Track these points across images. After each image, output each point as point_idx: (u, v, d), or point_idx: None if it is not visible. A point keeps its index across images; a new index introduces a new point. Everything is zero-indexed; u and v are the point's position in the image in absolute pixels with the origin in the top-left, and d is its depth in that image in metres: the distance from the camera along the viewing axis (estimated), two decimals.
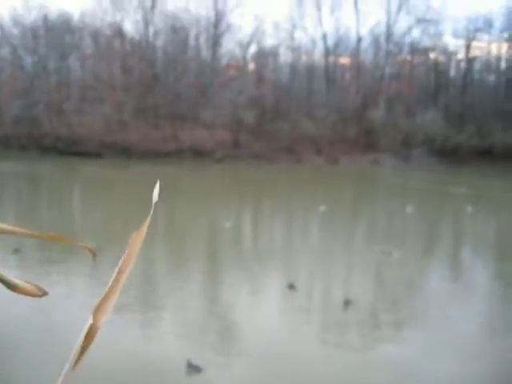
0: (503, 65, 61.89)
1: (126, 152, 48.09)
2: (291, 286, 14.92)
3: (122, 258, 0.75)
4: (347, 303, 13.72)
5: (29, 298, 0.69)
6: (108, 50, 57.52)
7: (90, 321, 0.70)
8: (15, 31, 60.17)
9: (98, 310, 0.71)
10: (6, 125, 53.31)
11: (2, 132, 52.34)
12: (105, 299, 0.72)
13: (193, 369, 10.07)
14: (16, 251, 17.30)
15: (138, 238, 0.78)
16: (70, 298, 13.25)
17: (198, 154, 48.49)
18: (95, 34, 58.55)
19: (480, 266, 19.69)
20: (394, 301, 14.84)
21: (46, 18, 58.11)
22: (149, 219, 0.75)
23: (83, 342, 0.69)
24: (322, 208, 27.06)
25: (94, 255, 0.76)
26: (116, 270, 0.74)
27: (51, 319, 11.89)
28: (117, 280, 0.73)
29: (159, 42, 58.12)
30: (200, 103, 53.23)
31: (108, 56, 56.98)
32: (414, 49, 59.25)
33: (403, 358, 10.82)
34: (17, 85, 57.71)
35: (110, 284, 0.73)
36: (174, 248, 20.95)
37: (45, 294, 0.72)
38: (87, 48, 60.55)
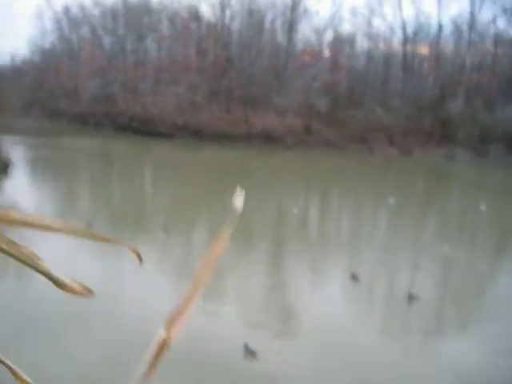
0: None
1: (197, 134, 48.52)
2: (354, 277, 14.59)
3: (199, 268, 0.69)
4: (411, 298, 13.31)
5: None
6: (184, 32, 58.08)
7: (162, 334, 0.65)
8: (95, 11, 61.83)
9: (170, 323, 0.66)
10: (83, 102, 54.93)
11: (80, 109, 53.96)
12: (178, 311, 0.66)
13: (249, 352, 10.04)
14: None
15: (215, 250, 0.72)
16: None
17: (269, 139, 48.36)
18: (172, 17, 59.29)
19: None
20: (459, 300, 14.28)
21: (125, 0, 59.25)
22: (229, 230, 0.68)
23: (154, 356, 0.64)
24: (391, 200, 26.42)
25: (140, 258, 0.70)
26: (192, 281, 0.68)
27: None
28: (192, 292, 0.67)
29: (235, 26, 58.21)
30: (273, 88, 52.99)
31: (184, 38, 57.56)
32: (499, 39, 56.73)
33: (465, 359, 10.42)
34: (95, 64, 59.21)
35: (184, 296, 0.67)
36: (240, 229, 20.85)
37: (90, 293, 0.69)
38: (164, 30, 61.36)
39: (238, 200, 0.72)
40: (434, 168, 44.84)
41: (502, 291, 15.31)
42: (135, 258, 0.69)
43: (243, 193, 0.73)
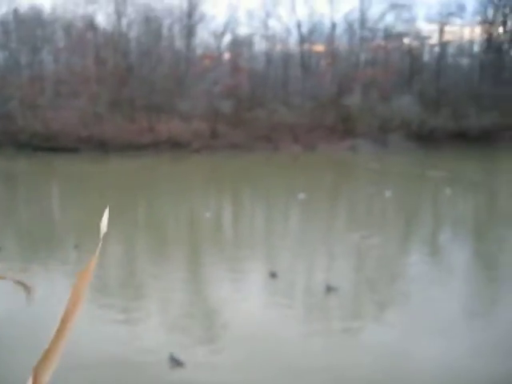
0: (476, 48, 62.57)
1: (102, 146, 47.62)
2: (273, 274, 14.98)
3: (66, 305, 0.61)
4: (329, 289, 13.82)
5: None
6: (81, 42, 56.78)
7: (30, 382, 0.57)
8: None
9: (39, 368, 0.58)
10: None
11: None
12: (47, 355, 0.58)
13: (175, 362, 10.07)
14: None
15: (83, 280, 0.65)
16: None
17: (176, 145, 48.26)
18: (67, 27, 57.77)
19: (458, 247, 19.90)
20: (375, 284, 14.96)
21: (16, 12, 57.17)
22: (95, 258, 0.59)
23: None
24: (301, 195, 27.15)
25: (30, 291, 0.60)
26: (59, 319, 0.60)
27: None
28: (60, 332, 0.59)
29: (133, 33, 57.56)
30: (176, 94, 52.86)
31: (81, 49, 56.26)
32: (388, 34, 59.48)
33: (382, 340, 10.96)
34: None
35: (52, 337, 0.59)
36: (155, 239, 20.90)
37: None
38: (59, 41, 59.71)
39: (104, 221, 0.65)
40: (338, 161, 46.38)
41: (413, 273, 16.19)
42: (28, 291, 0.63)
43: (106, 214, 0.68)
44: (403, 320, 12.21)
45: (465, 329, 11.73)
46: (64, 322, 0.60)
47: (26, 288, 0.66)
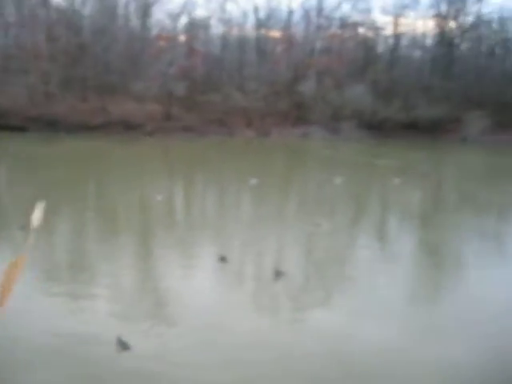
0: (429, 41, 63.84)
1: (52, 125, 46.60)
2: (223, 259, 15.08)
3: None
4: (278, 274, 14.01)
5: None
6: (32, 18, 55.26)
7: None
8: None
9: None
10: None
11: None
12: None
13: (122, 345, 10.05)
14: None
15: (15, 270, 0.57)
16: None
17: (128, 127, 47.74)
18: (18, 2, 56.09)
19: (405, 235, 20.42)
20: (324, 270, 15.23)
21: None
22: (28, 246, 0.59)
23: None
24: (253, 181, 27.29)
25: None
26: None
27: None
28: None
29: (86, 11, 56.37)
30: (130, 74, 52.19)
31: (32, 24, 54.77)
32: (344, 23, 60.07)
33: (332, 325, 11.21)
34: None
35: None
36: (105, 222, 20.72)
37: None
38: (10, 16, 57.93)
39: (37, 214, 0.71)
40: (291, 147, 46.77)
41: (362, 258, 16.51)
42: None
43: (41, 208, 0.74)
44: (346, 303, 12.46)
45: (408, 313, 12.09)
46: None
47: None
